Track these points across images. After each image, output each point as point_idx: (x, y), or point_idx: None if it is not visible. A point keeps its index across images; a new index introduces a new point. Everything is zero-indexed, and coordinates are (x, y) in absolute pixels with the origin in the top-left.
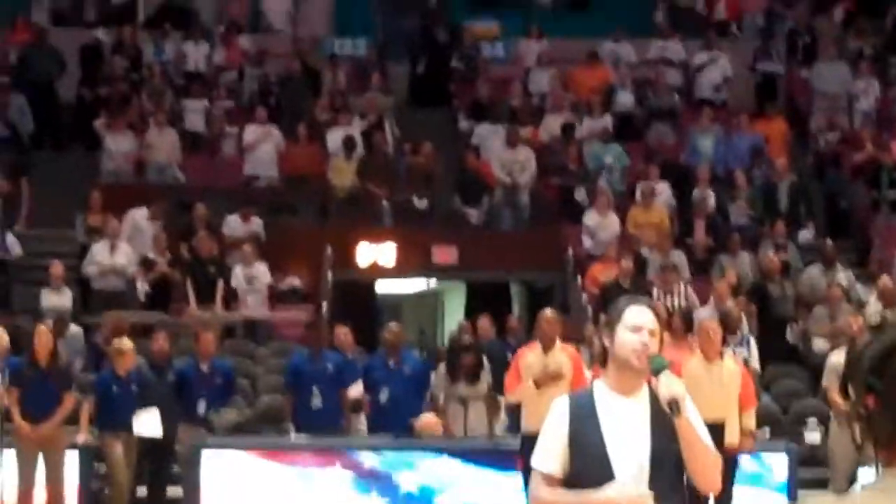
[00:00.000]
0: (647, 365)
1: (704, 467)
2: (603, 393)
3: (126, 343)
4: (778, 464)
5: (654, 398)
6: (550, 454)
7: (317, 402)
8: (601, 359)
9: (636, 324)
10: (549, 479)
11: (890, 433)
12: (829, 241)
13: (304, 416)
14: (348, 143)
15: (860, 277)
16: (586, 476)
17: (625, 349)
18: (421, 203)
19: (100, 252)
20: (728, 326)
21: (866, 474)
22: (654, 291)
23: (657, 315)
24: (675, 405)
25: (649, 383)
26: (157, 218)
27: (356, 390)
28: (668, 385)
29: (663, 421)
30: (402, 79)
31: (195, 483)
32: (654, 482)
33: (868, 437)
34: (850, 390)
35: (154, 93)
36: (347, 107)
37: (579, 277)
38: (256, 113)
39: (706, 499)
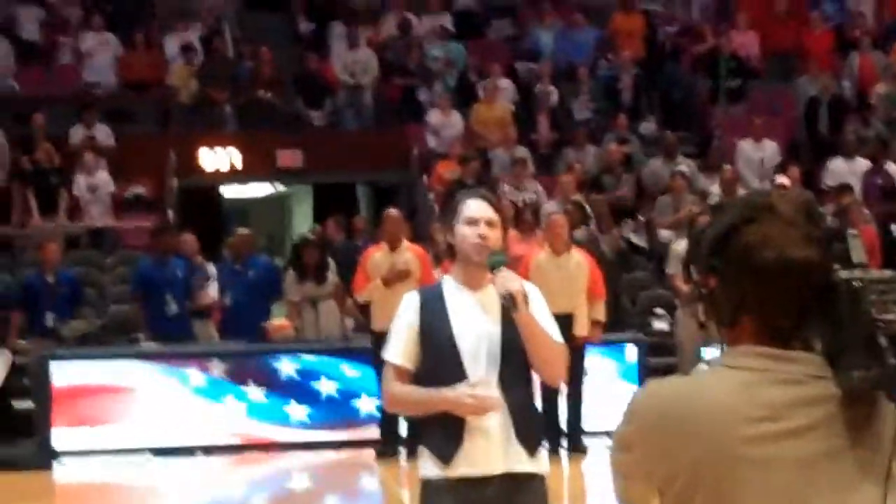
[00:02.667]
0: (485, 259)
1: (547, 359)
2: (451, 287)
3: None
4: (627, 353)
5: (496, 290)
6: (401, 347)
7: (167, 309)
8: (449, 255)
9: (472, 216)
10: (401, 372)
11: (732, 312)
12: (670, 133)
13: (154, 323)
14: (187, 49)
15: (701, 168)
16: (437, 369)
17: (464, 243)
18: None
19: None
20: (574, 219)
21: (711, 354)
22: (504, 187)
23: (496, 207)
24: (510, 300)
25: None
26: None
27: (208, 295)
28: (503, 281)
29: (510, 313)
30: None
31: (45, 395)
32: (505, 372)
33: (711, 317)
34: (692, 271)
35: None
36: (185, 12)
37: (425, 177)
38: (93, 20)
39: (557, 388)
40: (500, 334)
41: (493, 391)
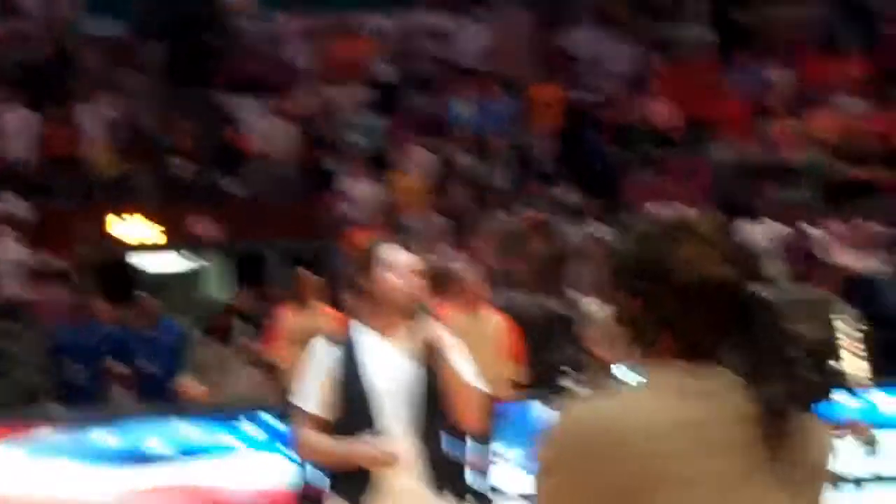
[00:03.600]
0: (411, 304)
1: (466, 405)
2: (364, 334)
3: None
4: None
5: (414, 338)
6: (314, 395)
7: (81, 376)
8: (360, 300)
9: (397, 265)
10: (314, 421)
11: (654, 332)
12: (584, 199)
13: (68, 391)
14: (106, 123)
15: (616, 232)
16: (351, 417)
17: (394, 294)
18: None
19: None
20: (489, 283)
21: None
22: (421, 252)
23: (414, 255)
24: (433, 346)
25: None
26: None
27: (119, 364)
28: (427, 328)
29: (426, 359)
30: (158, 55)
31: None
32: (419, 420)
33: (634, 340)
34: (616, 297)
35: None
36: (105, 87)
37: (340, 245)
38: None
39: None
40: (415, 380)
41: (406, 443)
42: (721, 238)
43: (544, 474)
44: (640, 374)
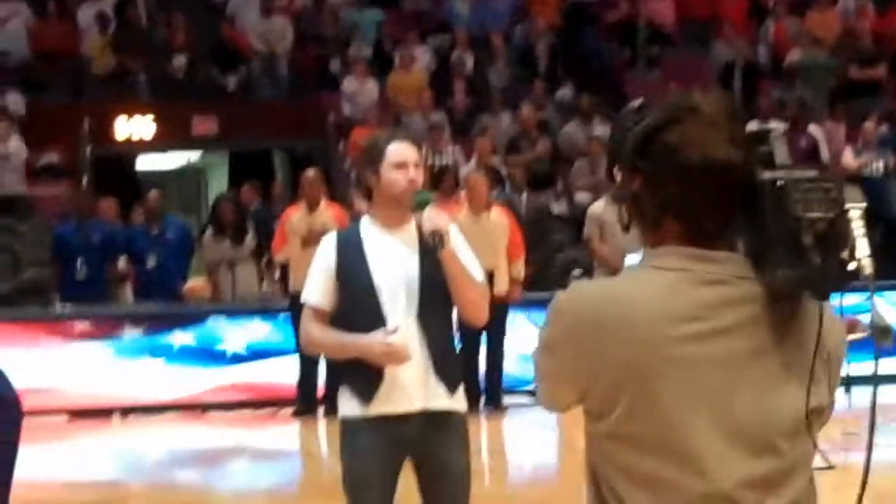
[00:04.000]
0: (414, 197)
1: (471, 298)
2: (369, 228)
3: None
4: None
5: (420, 230)
6: (319, 288)
7: (82, 273)
8: (367, 196)
9: (400, 160)
10: (318, 313)
11: (656, 213)
12: (586, 98)
13: (69, 288)
14: (101, 18)
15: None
16: (355, 309)
17: (392, 187)
18: (180, 65)
19: None
20: (490, 181)
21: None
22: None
23: (417, 148)
24: (438, 237)
25: (415, 217)
26: None
27: (122, 264)
28: (431, 218)
29: (430, 252)
30: None
31: None
32: (424, 312)
33: (635, 219)
34: (616, 172)
35: None
36: None
37: (341, 143)
38: None
39: (477, 336)
40: (419, 273)
41: (410, 334)
42: (727, 120)
43: (546, 352)
44: (645, 258)
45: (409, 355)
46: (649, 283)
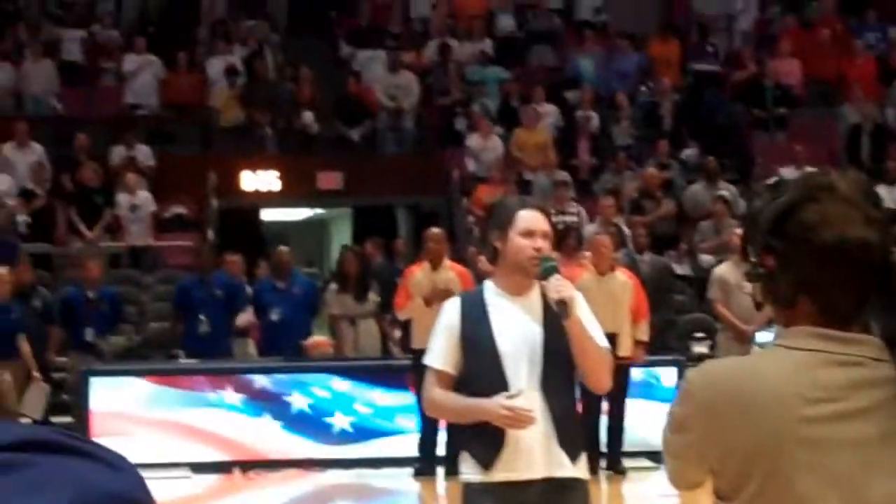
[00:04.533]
0: (538, 263)
1: (595, 365)
2: (493, 293)
3: (2, 271)
4: (667, 375)
5: (545, 296)
6: (442, 352)
7: (204, 327)
8: (492, 260)
9: (529, 228)
10: (441, 377)
11: (789, 293)
12: (711, 159)
13: (192, 342)
14: (230, 71)
15: (743, 193)
16: (478, 374)
17: (519, 255)
18: (308, 121)
19: None
20: (613, 241)
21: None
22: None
23: (547, 217)
24: (563, 306)
25: (540, 285)
26: (22, 145)
27: (245, 318)
28: (558, 286)
29: (555, 318)
30: (282, 6)
31: (84, 410)
32: (547, 379)
33: (768, 298)
34: (750, 251)
35: (30, 23)
36: (228, 35)
37: (465, 200)
38: (136, 42)
39: (599, 399)
40: (543, 340)
41: (533, 402)
42: (864, 199)
43: (676, 430)
44: (778, 338)
45: (532, 419)
46: (780, 362)
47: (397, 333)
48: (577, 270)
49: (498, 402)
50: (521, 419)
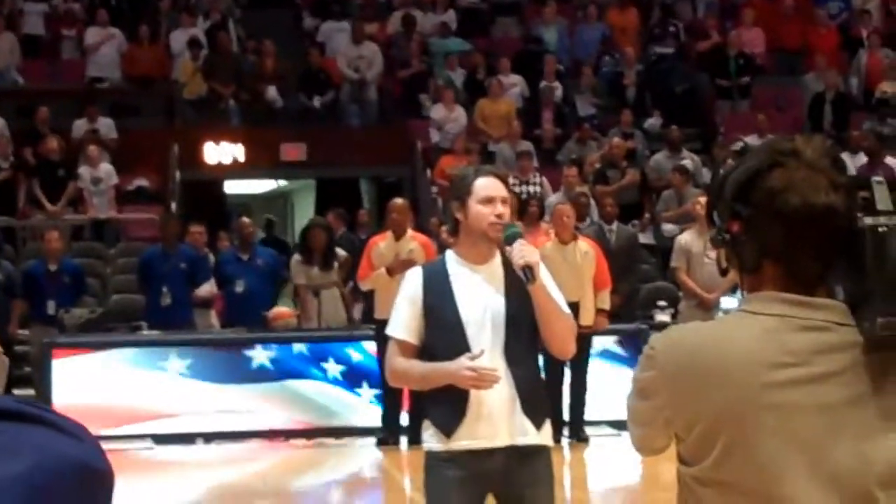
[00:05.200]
0: (501, 231)
1: (559, 331)
2: (455, 263)
3: None
4: (630, 343)
5: (507, 265)
6: (405, 322)
7: (166, 299)
8: (453, 230)
9: (488, 195)
10: (404, 347)
11: (754, 258)
12: (674, 128)
13: (155, 313)
14: (193, 44)
15: (706, 162)
16: (441, 343)
17: (480, 222)
18: (271, 94)
19: None
20: (579, 211)
21: (730, 303)
22: (510, 180)
23: (504, 183)
24: (528, 271)
25: (502, 252)
26: None
27: (207, 288)
28: (522, 251)
29: (518, 286)
30: None
31: (46, 383)
32: (510, 346)
33: (733, 264)
34: (715, 217)
35: None
36: (190, 7)
37: (428, 171)
38: (97, 15)
39: (561, 367)
40: (505, 307)
41: (496, 363)
42: (828, 164)
43: (640, 397)
44: (743, 304)
45: (496, 377)
46: (746, 328)
47: (359, 303)
48: (540, 240)
49: (461, 363)
50: (485, 378)
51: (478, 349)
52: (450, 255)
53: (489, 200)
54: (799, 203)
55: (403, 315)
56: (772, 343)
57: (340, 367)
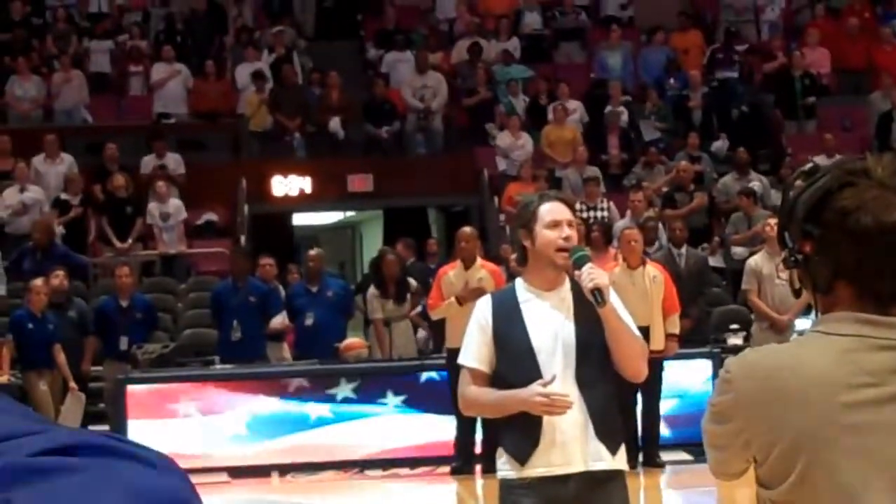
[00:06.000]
0: (568, 258)
1: (631, 353)
2: (524, 290)
3: (38, 282)
4: (701, 368)
5: (576, 290)
6: (476, 351)
7: (237, 333)
8: (521, 259)
9: (554, 219)
10: (476, 375)
11: (827, 278)
12: (741, 150)
13: (227, 347)
14: (257, 77)
15: (774, 184)
16: (513, 371)
17: (547, 247)
18: (336, 125)
19: (10, 196)
20: (647, 236)
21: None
22: (577, 205)
23: (570, 207)
24: (598, 293)
25: (571, 276)
26: (52, 157)
27: (279, 320)
28: (591, 274)
29: (587, 311)
30: (310, 11)
31: (121, 418)
32: (581, 371)
33: (806, 285)
34: (787, 238)
35: (58, 36)
36: (255, 42)
37: (496, 199)
38: (163, 51)
39: (634, 393)
40: (576, 333)
41: (567, 389)
42: None
43: (717, 421)
44: (817, 324)
45: (568, 403)
46: (821, 349)
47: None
48: (608, 265)
49: (533, 389)
50: (558, 403)
51: (549, 375)
52: (519, 282)
53: (556, 224)
54: (871, 222)
55: (474, 344)
56: (848, 363)
57: (412, 397)
